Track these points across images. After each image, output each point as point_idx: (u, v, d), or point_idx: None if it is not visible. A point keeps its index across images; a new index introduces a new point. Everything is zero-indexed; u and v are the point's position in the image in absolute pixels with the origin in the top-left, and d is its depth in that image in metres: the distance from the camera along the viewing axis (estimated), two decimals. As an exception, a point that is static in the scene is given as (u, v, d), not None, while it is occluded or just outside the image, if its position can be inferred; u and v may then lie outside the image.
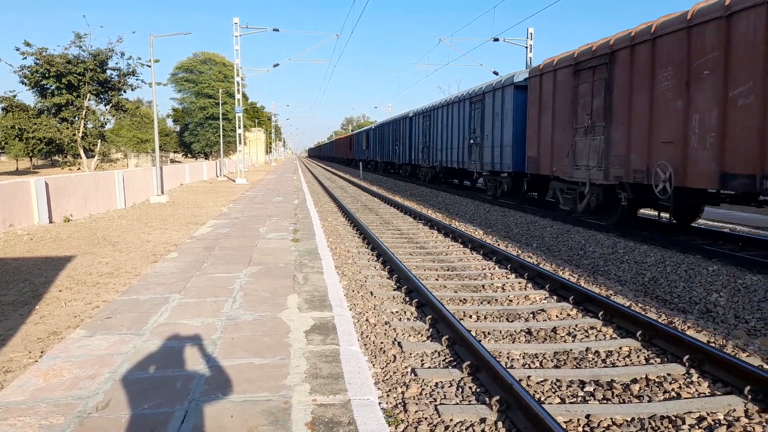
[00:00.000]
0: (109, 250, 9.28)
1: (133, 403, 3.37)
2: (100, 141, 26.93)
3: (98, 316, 5.17)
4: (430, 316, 5.58)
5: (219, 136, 48.51)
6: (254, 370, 3.91)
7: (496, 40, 27.38)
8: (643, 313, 5.84)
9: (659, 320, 5.62)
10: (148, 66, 25.22)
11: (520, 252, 9.49)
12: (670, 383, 4.15)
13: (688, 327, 5.46)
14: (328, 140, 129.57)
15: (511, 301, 6.49)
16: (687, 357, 4.44)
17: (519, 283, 7.26)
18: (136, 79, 26.15)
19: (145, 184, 19.37)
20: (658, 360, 4.64)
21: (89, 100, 24.86)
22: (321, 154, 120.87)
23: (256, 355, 4.20)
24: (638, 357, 4.71)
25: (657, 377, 4.26)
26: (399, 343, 5.01)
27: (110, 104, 26.12)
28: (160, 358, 4.11)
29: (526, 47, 27.37)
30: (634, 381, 4.20)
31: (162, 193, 19.28)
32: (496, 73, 27.48)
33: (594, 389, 4.06)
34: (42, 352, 4.55)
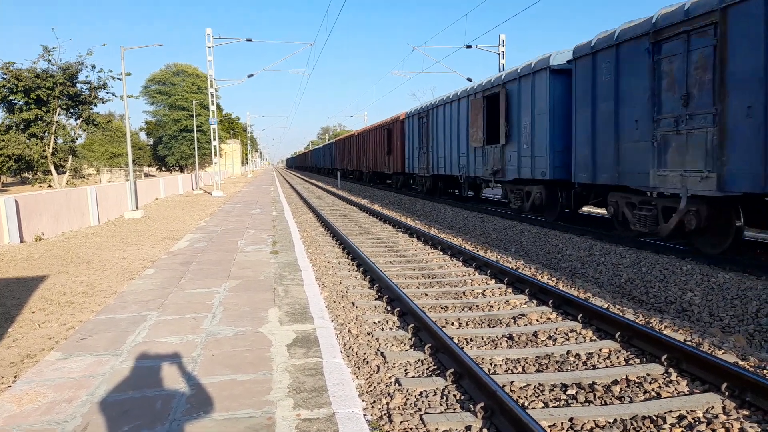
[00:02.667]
0: (83, 268, 9.09)
1: (112, 426, 3.29)
2: (71, 156, 26.43)
3: (74, 338, 5.05)
4: (412, 325, 5.58)
5: (194, 148, 47.99)
6: (236, 386, 3.86)
7: (469, 47, 27.74)
8: (620, 314, 5.93)
9: (637, 321, 5.71)
10: (119, 79, 24.91)
11: (499, 257, 9.57)
12: (650, 383, 4.22)
13: (665, 326, 5.56)
14: (305, 149, 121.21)
15: (492, 306, 6.53)
16: (665, 356, 4.52)
17: (499, 288, 7.31)
18: (107, 93, 25.87)
19: (118, 200, 19.04)
20: (638, 360, 4.71)
21: (59, 114, 24.41)
22: (307, 164, 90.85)
23: (238, 371, 4.14)
24: (618, 358, 4.78)
25: (637, 378, 4.33)
26: (382, 353, 5.00)
27: (81, 119, 25.68)
28: (139, 379, 4.03)
29: (499, 54, 27.76)
30: (615, 382, 4.26)
31: (136, 208, 18.95)
32: (469, 80, 27.80)
33: (576, 392, 4.11)
34: (15, 377, 4.42)
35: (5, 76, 22.66)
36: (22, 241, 12.14)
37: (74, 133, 26.39)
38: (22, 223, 12.31)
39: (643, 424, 3.61)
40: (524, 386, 4.24)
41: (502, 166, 14.68)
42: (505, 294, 7.08)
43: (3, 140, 23.27)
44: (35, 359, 4.81)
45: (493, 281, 7.75)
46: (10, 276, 8.50)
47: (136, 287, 7.06)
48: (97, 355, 4.54)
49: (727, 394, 3.90)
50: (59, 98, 23.72)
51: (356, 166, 38.72)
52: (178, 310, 5.87)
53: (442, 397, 4.08)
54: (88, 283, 7.93)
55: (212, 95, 31.24)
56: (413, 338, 5.41)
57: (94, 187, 17.29)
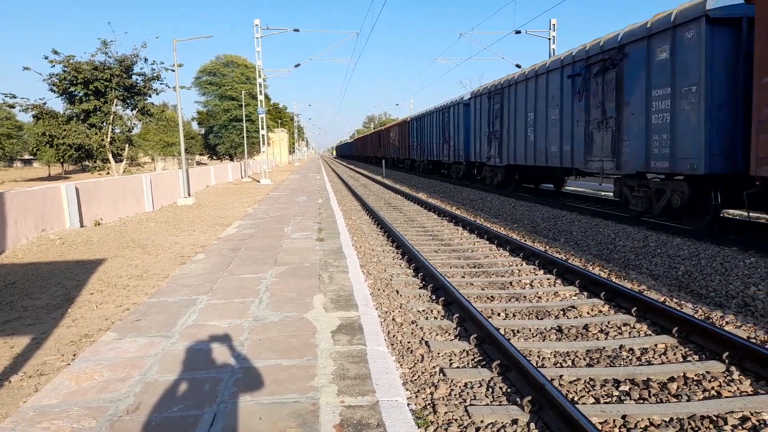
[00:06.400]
0: (138, 252, 9.42)
1: (163, 406, 3.38)
2: (127, 145, 27.42)
3: (128, 319, 5.23)
4: (457, 315, 5.51)
5: (243, 137, 49.01)
6: (282, 371, 3.89)
7: (518, 32, 27.05)
8: (678, 308, 5.66)
9: (696, 315, 5.44)
10: (172, 70, 25.49)
11: (547, 247, 9.32)
12: (710, 381, 4.00)
13: (727, 322, 5.27)
14: (356, 135, 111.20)
15: (540, 297, 6.36)
16: (726, 354, 4.27)
17: (548, 279, 7.12)
18: (161, 84, 26.57)
19: (172, 187, 19.66)
20: (696, 357, 4.48)
21: (116, 105, 25.32)
22: (378, 152, 54.94)
23: (283, 356, 4.18)
24: (675, 354, 4.56)
25: (695, 375, 4.11)
26: (426, 342, 4.95)
27: (136, 109, 26.56)
28: (189, 361, 4.13)
29: (549, 39, 26.96)
30: (672, 379, 4.06)
31: (188, 195, 19.54)
32: (518, 66, 27.14)
33: (629, 388, 3.94)
34: (74, 355, 4.62)
35: (66, 69, 23.65)
36: (82, 226, 12.71)
37: (130, 123, 27.32)
38: (82, 209, 12.88)
39: (702, 423, 3.43)
40: (574, 380, 4.10)
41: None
42: (554, 285, 6.89)
43: (65, 130, 24.35)
44: (92, 339, 5.02)
45: (542, 272, 7.56)
46: (71, 259, 8.91)
47: (187, 271, 7.25)
48: (149, 337, 4.69)
49: (796, 396, 3.65)
50: (116, 89, 24.58)
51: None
52: (227, 295, 5.99)
53: (487, 389, 4.00)
54: (142, 266, 8.22)
55: (260, 85, 31.74)
56: (458, 328, 5.33)
57: (149, 174, 17.90)
